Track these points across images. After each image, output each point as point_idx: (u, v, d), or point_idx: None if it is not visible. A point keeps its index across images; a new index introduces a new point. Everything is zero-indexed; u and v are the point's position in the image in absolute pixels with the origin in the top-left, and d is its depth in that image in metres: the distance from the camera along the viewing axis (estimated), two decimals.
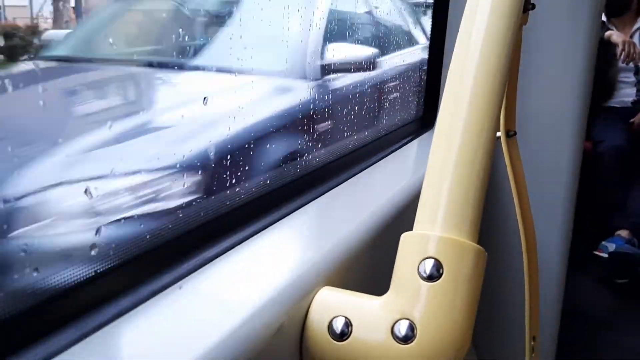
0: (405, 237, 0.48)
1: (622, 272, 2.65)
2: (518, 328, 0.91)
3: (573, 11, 1.11)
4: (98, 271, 0.45)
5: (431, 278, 0.45)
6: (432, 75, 1.18)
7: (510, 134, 0.83)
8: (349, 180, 0.79)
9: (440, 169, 0.48)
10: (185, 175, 0.60)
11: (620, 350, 2.11)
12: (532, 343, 0.89)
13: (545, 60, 1.13)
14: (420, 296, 0.45)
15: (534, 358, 0.89)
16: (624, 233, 2.75)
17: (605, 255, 2.71)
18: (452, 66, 0.53)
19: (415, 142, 1.07)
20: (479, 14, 0.54)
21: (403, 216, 0.71)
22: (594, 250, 2.77)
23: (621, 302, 2.56)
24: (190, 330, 0.43)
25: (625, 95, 3.07)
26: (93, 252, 0.44)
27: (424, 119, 1.17)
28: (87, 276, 0.44)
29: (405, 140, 1.05)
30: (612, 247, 2.70)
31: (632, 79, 3.06)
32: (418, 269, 0.46)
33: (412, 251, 0.47)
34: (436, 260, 0.46)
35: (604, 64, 2.74)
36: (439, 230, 0.47)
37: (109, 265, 0.45)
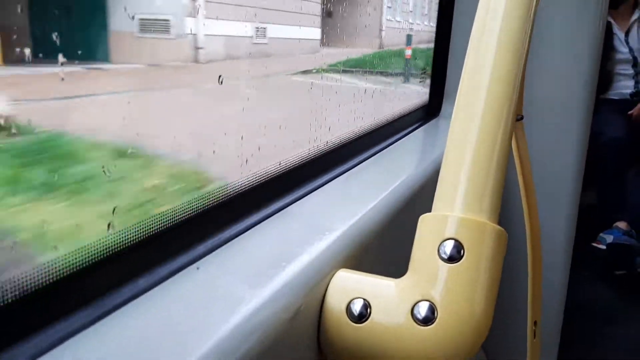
0: (424, 219, 0.48)
1: (620, 263, 2.66)
2: (521, 314, 0.90)
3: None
4: (114, 252, 0.44)
5: (452, 259, 0.45)
6: (438, 64, 1.17)
7: (517, 118, 0.82)
8: (360, 165, 0.78)
9: (460, 149, 0.48)
10: None
11: (618, 341, 2.12)
12: (533, 328, 0.89)
13: (551, 46, 1.12)
14: (441, 278, 0.45)
15: (535, 342, 0.89)
16: (622, 225, 2.76)
17: (604, 247, 2.72)
18: (470, 47, 0.52)
19: (422, 129, 1.06)
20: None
21: (416, 200, 0.70)
22: (592, 242, 2.78)
23: (618, 293, 2.58)
24: (207, 312, 0.42)
25: (623, 87, 3.07)
26: (110, 232, 0.43)
27: (430, 107, 1.17)
28: (103, 257, 0.43)
29: (412, 128, 1.04)
30: (610, 238, 2.71)
31: (630, 71, 3.06)
32: (438, 250, 0.45)
33: (432, 232, 0.46)
34: (457, 241, 0.45)
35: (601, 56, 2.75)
36: (459, 211, 0.46)
37: (126, 246, 0.44)
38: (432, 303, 0.44)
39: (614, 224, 2.78)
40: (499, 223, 0.47)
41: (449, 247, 0.45)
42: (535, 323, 0.89)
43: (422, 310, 0.45)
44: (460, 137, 0.48)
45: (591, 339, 2.12)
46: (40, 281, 0.38)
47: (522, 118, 0.82)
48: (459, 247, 0.45)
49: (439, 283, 0.45)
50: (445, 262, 0.45)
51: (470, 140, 0.48)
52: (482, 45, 0.51)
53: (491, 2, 0.53)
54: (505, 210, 1.08)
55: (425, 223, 0.48)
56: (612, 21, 3.04)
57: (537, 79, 1.11)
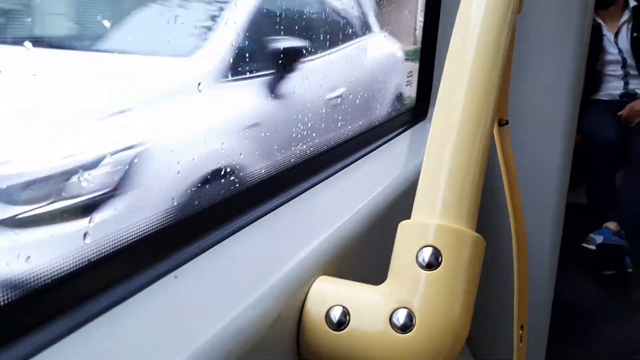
0: (403, 226, 0.48)
1: (610, 264, 2.68)
2: (509, 318, 0.91)
3: (565, 1, 1.11)
4: (91, 260, 0.44)
5: (430, 266, 0.45)
6: (424, 66, 1.18)
7: (502, 123, 0.82)
8: (343, 170, 0.78)
9: (438, 157, 0.48)
10: None
11: (608, 342, 2.13)
12: (520, 332, 0.89)
13: (537, 50, 1.13)
14: (419, 285, 0.45)
15: (522, 347, 0.90)
16: (611, 225, 2.77)
17: (593, 248, 2.73)
18: (449, 54, 0.52)
19: (408, 133, 1.07)
20: (475, 1, 0.53)
21: (399, 206, 0.70)
22: (582, 243, 2.80)
23: (608, 293, 2.59)
24: (186, 320, 0.42)
25: (613, 88, 3.09)
26: (87, 241, 0.43)
27: (417, 110, 1.17)
28: (80, 266, 0.43)
29: (398, 131, 1.05)
30: (600, 239, 2.72)
31: (620, 72, 3.08)
32: (417, 257, 0.45)
33: (411, 239, 0.46)
34: (435, 248, 0.45)
35: (590, 57, 2.76)
36: (437, 219, 0.46)
37: (103, 254, 0.44)
38: (410, 310, 0.45)
39: (604, 225, 2.79)
40: (485, 228, 0.47)
41: (427, 254, 0.45)
42: (521, 327, 0.89)
43: (401, 317, 0.45)
44: (439, 143, 0.49)
45: (580, 339, 2.13)
46: (15, 291, 0.38)
47: (507, 123, 0.83)
48: (437, 254, 0.45)
49: (417, 290, 0.45)
50: (423, 269, 0.45)
51: (448, 147, 0.48)
52: (460, 51, 0.52)
53: (472, 6, 0.53)
54: (491, 214, 1.09)
55: (404, 230, 0.48)
56: (601, 22, 3.06)
57: (521, 82, 1.11)
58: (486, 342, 1.24)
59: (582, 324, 2.23)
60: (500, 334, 1.18)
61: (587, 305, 2.43)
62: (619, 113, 2.98)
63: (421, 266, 0.45)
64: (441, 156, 0.48)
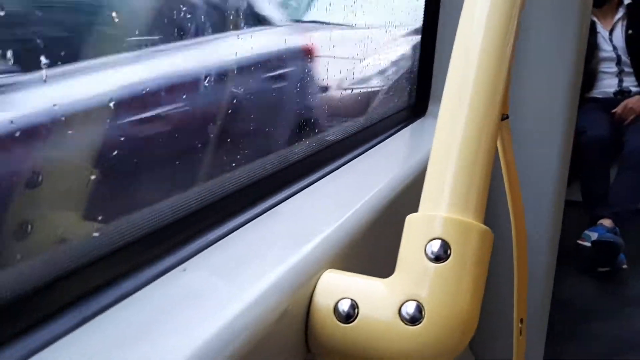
0: (410, 219, 0.48)
1: (605, 260, 2.69)
2: (508, 312, 0.91)
3: None
4: (98, 255, 0.44)
5: (438, 259, 0.45)
6: (424, 64, 1.18)
7: (503, 117, 0.83)
8: (346, 165, 0.78)
9: (445, 149, 0.48)
10: None
11: (602, 338, 2.15)
12: (520, 325, 0.90)
13: (536, 46, 1.13)
14: (428, 277, 0.45)
15: (521, 339, 0.90)
16: (606, 222, 2.78)
17: (588, 245, 2.75)
18: (456, 47, 0.52)
19: (407, 130, 1.07)
20: None
21: (403, 199, 0.71)
22: (577, 240, 2.81)
23: (603, 290, 2.61)
24: (193, 314, 0.42)
25: (607, 85, 3.10)
26: (95, 234, 0.43)
27: (416, 107, 1.17)
28: (88, 259, 0.43)
29: (397, 128, 1.05)
30: (594, 236, 2.73)
31: (614, 69, 3.09)
32: (425, 250, 0.45)
33: (419, 232, 0.46)
34: (443, 241, 0.45)
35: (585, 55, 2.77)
36: (445, 211, 0.46)
37: (112, 247, 0.44)
38: (419, 302, 0.45)
39: (599, 222, 2.81)
40: (485, 222, 0.47)
41: (435, 246, 0.45)
42: (521, 320, 0.90)
43: (410, 309, 0.45)
44: (446, 137, 0.49)
45: (574, 335, 2.14)
46: (18, 286, 0.37)
47: (507, 117, 0.83)
48: (445, 247, 0.45)
49: (426, 282, 0.45)
50: (432, 261, 0.45)
51: (456, 141, 0.48)
52: (467, 46, 0.52)
53: (477, 2, 0.53)
54: (491, 209, 1.08)
55: (411, 223, 0.48)
56: (595, 20, 3.08)
57: (522, 78, 1.11)
58: (485, 336, 1.24)
59: (576, 320, 2.25)
60: (499, 328, 1.19)
61: (582, 302, 2.45)
62: (613, 110, 3.00)
63: (430, 259, 0.45)
64: (448, 149, 0.48)
